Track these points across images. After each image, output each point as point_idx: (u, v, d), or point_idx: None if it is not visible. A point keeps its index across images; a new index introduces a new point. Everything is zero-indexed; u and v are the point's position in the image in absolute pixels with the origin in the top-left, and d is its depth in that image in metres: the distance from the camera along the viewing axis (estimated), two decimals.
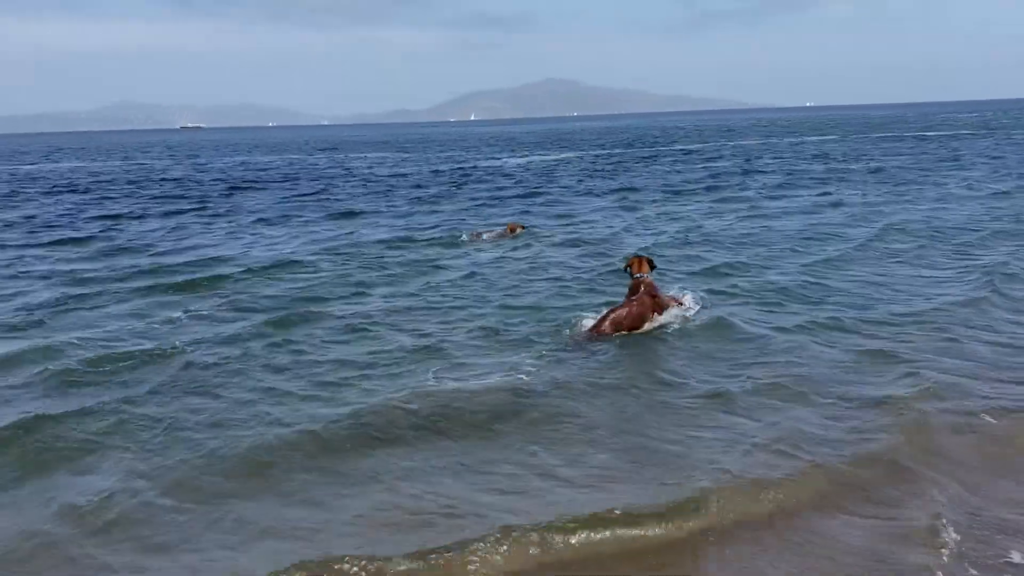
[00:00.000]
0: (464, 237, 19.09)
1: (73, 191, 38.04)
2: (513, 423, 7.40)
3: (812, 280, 13.04)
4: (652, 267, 10.56)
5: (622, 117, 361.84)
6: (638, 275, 10.34)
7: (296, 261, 16.53)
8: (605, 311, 10.23)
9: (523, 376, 8.52)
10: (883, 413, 7.31)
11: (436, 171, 45.81)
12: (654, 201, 26.39)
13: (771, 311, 11.21)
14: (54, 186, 41.68)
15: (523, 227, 19.61)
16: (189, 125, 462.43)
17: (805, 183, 30.27)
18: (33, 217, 26.83)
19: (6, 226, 24.40)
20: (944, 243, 16.10)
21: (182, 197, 33.31)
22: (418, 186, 35.93)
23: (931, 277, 13.11)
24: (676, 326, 10.26)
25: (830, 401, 7.71)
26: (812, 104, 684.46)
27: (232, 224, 23.68)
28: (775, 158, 46.21)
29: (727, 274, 13.86)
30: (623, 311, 10.03)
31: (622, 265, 11.14)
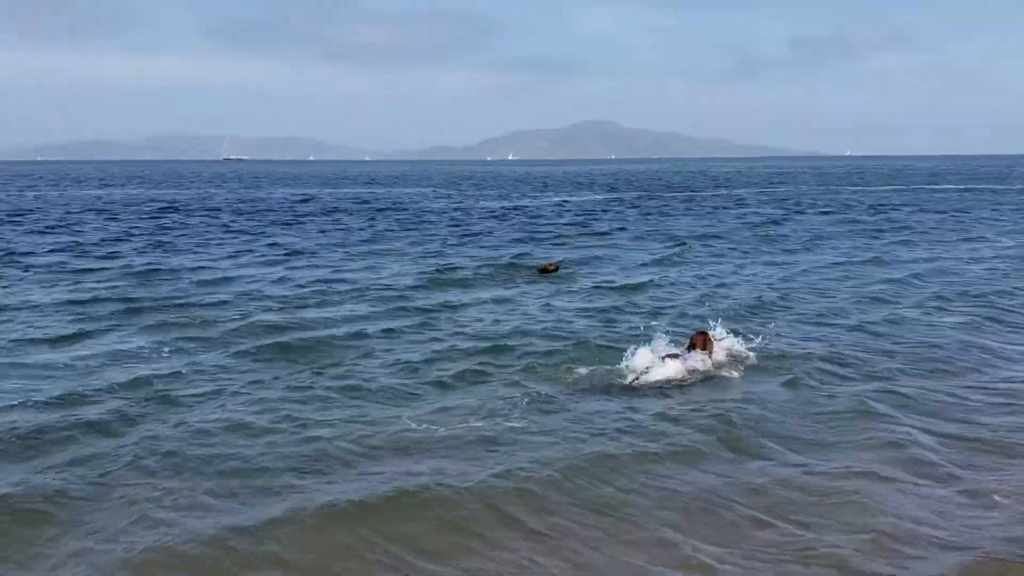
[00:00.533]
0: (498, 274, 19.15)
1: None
2: None
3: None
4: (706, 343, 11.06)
5: (662, 161, 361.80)
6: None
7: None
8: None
9: None
10: None
11: (482, 208, 46.06)
12: (697, 255, 25.17)
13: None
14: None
15: (555, 266, 19.59)
16: (232, 157, 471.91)
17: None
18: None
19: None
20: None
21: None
22: (456, 224, 36.01)
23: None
24: None
25: None
26: (851, 153, 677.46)
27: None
28: (826, 205, 45.60)
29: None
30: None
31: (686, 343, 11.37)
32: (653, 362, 10.62)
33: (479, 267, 20.55)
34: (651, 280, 19.01)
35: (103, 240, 28.09)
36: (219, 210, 44.43)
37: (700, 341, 10.90)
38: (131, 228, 32.64)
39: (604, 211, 43.50)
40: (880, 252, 23.83)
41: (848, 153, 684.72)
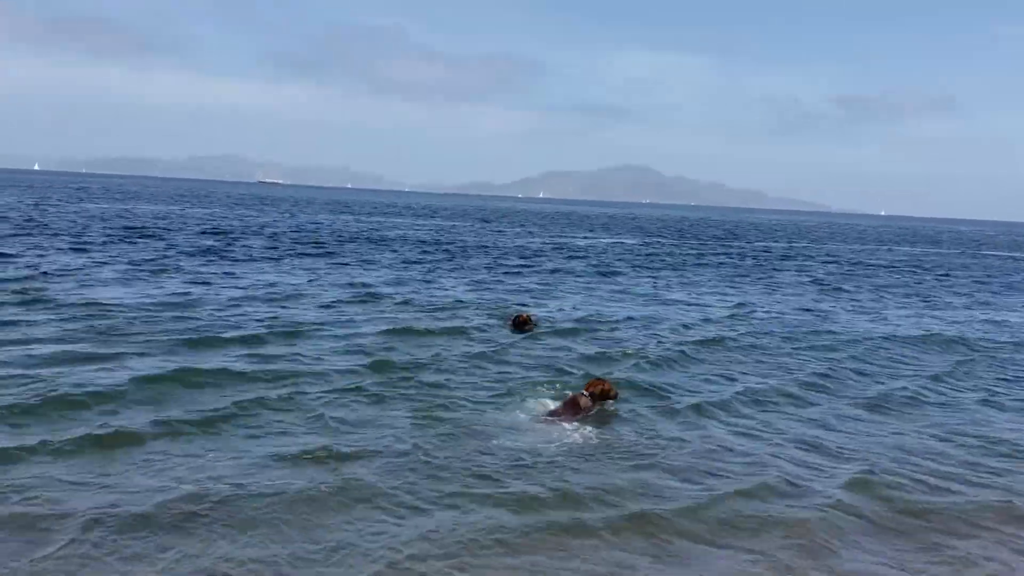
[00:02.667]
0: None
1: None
2: None
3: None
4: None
5: (698, 208, 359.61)
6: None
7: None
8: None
9: None
10: None
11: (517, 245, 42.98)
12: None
13: None
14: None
15: (530, 319, 16.72)
16: (267, 180, 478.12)
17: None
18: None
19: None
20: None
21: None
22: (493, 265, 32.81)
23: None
24: None
25: None
26: (885, 213, 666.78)
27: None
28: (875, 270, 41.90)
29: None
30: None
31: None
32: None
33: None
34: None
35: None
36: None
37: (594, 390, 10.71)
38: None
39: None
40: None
41: (883, 213, 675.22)
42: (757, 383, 12.81)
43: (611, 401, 10.84)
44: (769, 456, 9.21)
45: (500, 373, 12.44)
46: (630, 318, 18.95)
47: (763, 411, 11.29)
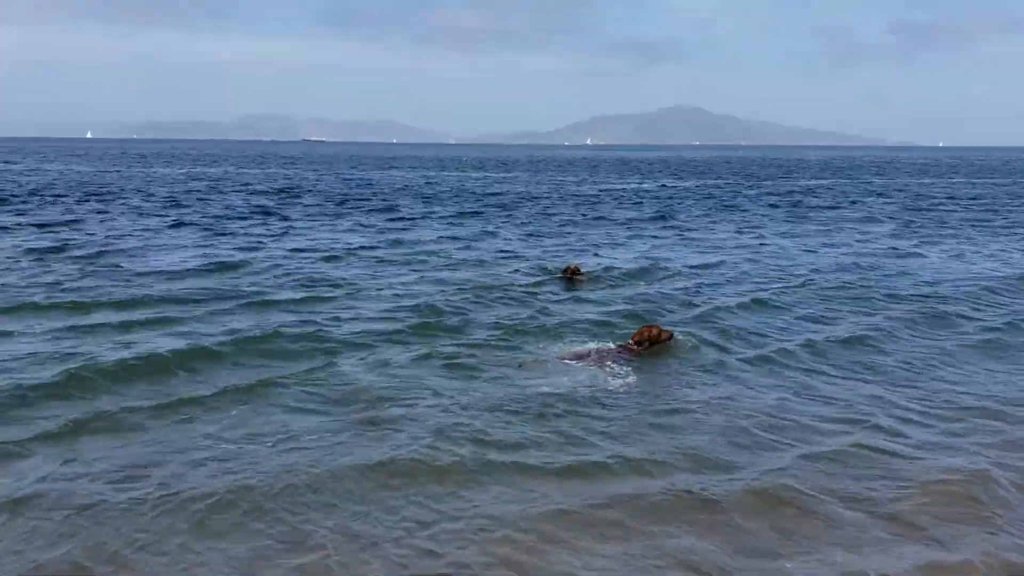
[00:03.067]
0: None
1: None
2: None
3: None
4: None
5: (750, 148, 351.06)
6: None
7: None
8: None
9: None
10: None
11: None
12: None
13: None
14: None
15: (579, 269, 16.33)
16: (312, 138, 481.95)
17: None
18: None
19: None
20: None
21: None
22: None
23: None
24: None
25: None
26: (944, 144, 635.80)
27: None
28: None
29: None
30: None
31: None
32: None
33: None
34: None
35: None
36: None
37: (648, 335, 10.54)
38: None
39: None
40: None
41: (941, 144, 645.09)
42: (844, 329, 12.14)
43: (665, 344, 10.56)
44: (861, 413, 8.57)
45: (554, 326, 12.02)
46: (691, 266, 18.29)
47: (855, 356, 10.64)
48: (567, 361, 10.12)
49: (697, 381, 9.51)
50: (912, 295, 14.90)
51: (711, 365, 10.14)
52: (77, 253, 18.62)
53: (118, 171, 61.53)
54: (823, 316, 13.09)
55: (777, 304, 13.82)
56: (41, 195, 35.94)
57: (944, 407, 8.68)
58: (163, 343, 10.57)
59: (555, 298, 14.29)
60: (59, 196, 35.51)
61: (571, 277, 15.93)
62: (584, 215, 31.21)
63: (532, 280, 16.02)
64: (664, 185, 53.56)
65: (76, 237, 21.56)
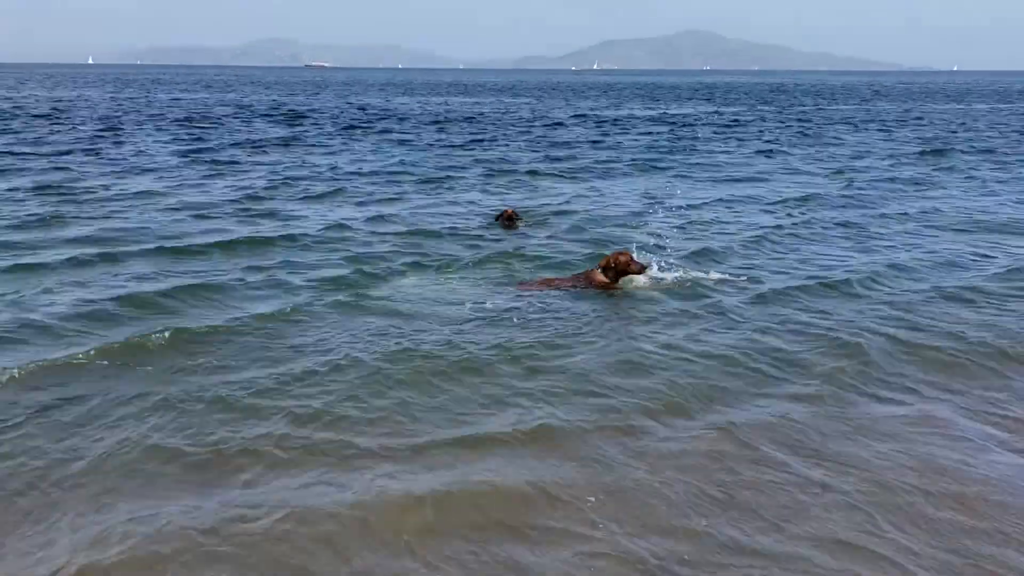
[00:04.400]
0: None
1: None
2: None
3: None
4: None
5: (764, 73, 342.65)
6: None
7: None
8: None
9: None
10: None
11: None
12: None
13: None
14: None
15: (514, 213, 13.97)
16: (314, 64, 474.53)
17: None
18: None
19: None
20: None
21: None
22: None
23: None
24: None
25: None
26: (958, 68, 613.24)
27: None
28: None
29: None
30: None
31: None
32: None
33: None
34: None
35: None
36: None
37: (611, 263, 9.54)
38: None
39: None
40: None
41: (955, 68, 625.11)
42: (861, 263, 11.07)
43: (640, 278, 9.60)
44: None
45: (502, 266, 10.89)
46: (705, 199, 17.08)
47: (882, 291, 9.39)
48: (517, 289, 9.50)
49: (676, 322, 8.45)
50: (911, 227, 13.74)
51: (700, 307, 8.97)
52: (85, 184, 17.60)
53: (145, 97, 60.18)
54: None
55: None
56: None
57: None
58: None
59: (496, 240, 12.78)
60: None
61: (508, 220, 13.75)
62: (580, 143, 29.82)
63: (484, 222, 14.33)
64: (690, 112, 51.59)
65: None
